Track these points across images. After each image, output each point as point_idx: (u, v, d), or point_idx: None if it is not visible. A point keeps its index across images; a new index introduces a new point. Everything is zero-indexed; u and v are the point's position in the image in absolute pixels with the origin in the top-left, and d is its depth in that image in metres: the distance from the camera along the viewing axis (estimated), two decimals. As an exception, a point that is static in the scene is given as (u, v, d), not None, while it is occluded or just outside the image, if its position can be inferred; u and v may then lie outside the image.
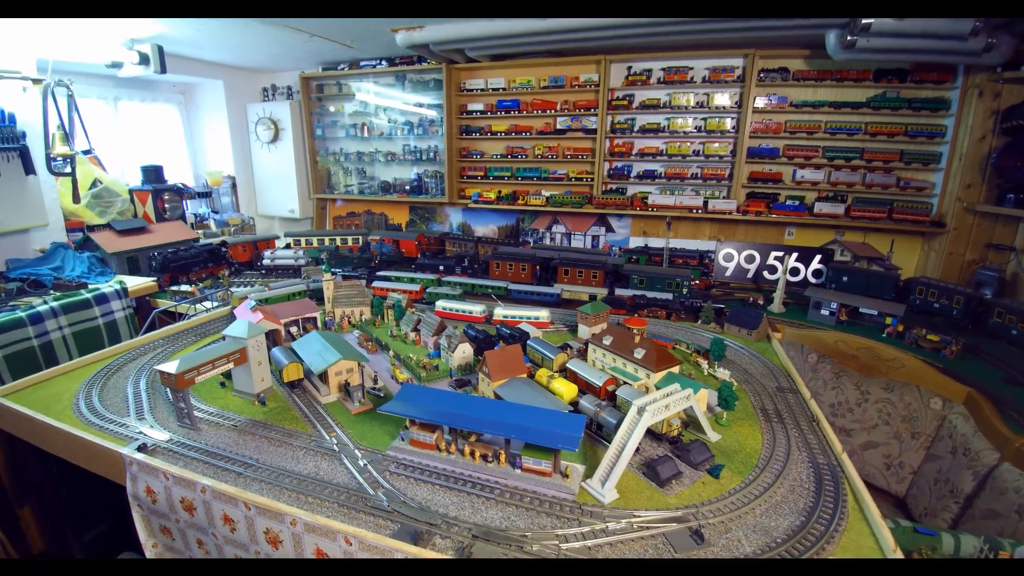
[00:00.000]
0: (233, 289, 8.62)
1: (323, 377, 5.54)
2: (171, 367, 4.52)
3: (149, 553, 4.13)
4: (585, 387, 5.10)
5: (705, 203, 10.15)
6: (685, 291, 8.91)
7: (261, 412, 4.95)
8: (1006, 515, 5.03)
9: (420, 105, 11.43)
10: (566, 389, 4.90)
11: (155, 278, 8.71)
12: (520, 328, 6.32)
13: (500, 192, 11.27)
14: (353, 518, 3.56)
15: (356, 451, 4.38)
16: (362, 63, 11.44)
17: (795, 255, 10.03)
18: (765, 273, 10.34)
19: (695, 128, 10.18)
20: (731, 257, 10.47)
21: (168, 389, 4.86)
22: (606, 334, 5.52)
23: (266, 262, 10.00)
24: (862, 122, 9.39)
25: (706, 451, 4.29)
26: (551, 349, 5.74)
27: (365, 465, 4.18)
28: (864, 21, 7.23)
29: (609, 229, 11.41)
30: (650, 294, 8.37)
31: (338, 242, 11.27)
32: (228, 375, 5.25)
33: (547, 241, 11.75)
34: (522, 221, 11.90)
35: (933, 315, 8.19)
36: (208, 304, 7.87)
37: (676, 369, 5.17)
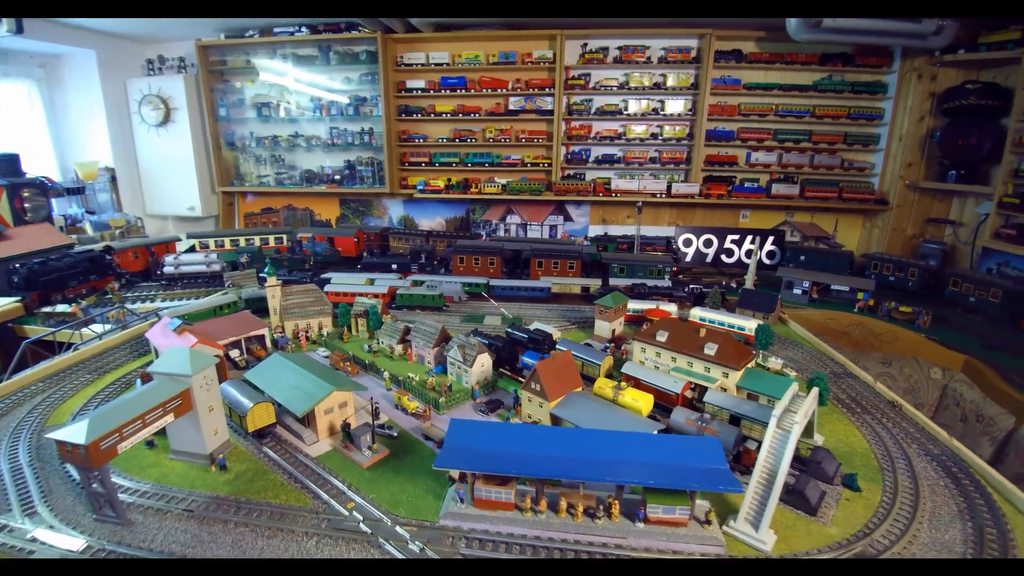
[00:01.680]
0: (130, 305, 6.38)
1: (307, 419, 3.90)
2: (75, 433, 2.67)
3: None
4: (656, 395, 4.06)
5: (668, 187, 9.59)
6: (666, 277, 8.29)
7: (224, 482, 3.26)
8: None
9: (348, 81, 9.62)
10: (642, 401, 3.82)
11: (19, 298, 6.17)
12: (539, 329, 5.11)
13: (450, 180, 9.87)
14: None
15: (397, 527, 2.92)
16: (276, 30, 9.37)
17: (750, 238, 9.81)
18: (723, 256, 10.05)
19: (653, 111, 9.57)
20: (690, 242, 10.05)
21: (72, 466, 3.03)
22: (659, 329, 4.52)
23: (168, 270, 7.72)
24: (810, 105, 9.37)
25: (832, 459, 3.46)
26: (593, 353, 4.62)
27: (422, 548, 2.77)
28: (839, -5, 6.93)
29: (568, 218, 10.51)
30: (650, 282, 7.57)
31: (257, 242, 9.16)
32: (161, 431, 3.48)
33: (501, 233, 10.58)
34: (473, 212, 10.60)
35: (889, 288, 8.29)
36: (98, 328, 5.64)
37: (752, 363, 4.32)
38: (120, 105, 10.01)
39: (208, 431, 3.41)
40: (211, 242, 8.83)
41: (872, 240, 9.80)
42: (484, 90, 9.65)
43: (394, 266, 8.44)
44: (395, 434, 3.76)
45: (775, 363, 4.90)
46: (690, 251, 10.26)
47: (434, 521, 2.93)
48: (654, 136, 9.79)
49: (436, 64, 9.58)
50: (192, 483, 3.23)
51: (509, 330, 5.19)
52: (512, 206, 10.53)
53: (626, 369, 4.33)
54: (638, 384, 4.17)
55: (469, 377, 4.42)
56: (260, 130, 10.32)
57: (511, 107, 9.70)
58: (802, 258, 9.34)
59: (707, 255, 10.19)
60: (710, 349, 4.17)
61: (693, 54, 9.35)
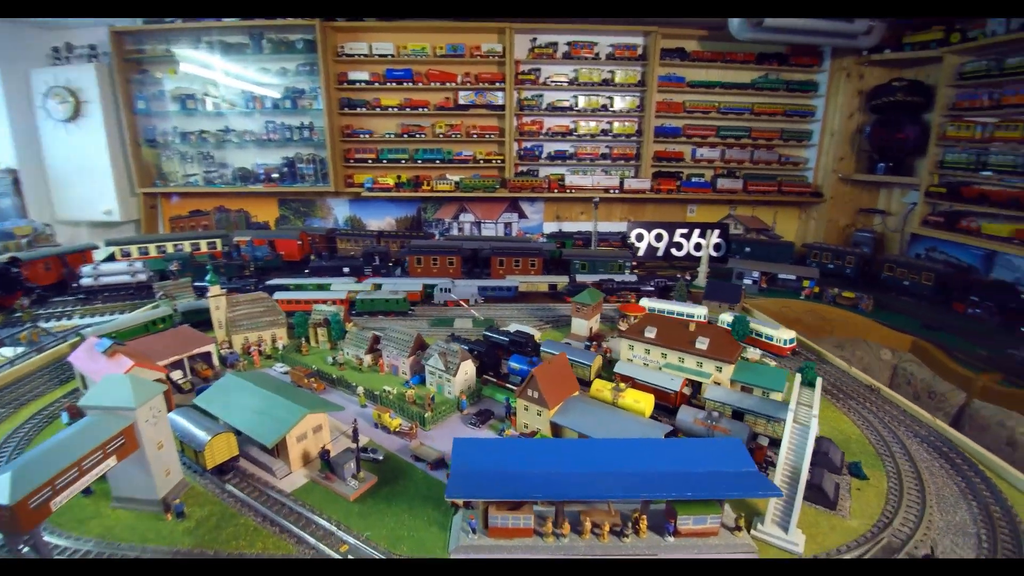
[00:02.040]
0: (44, 324, 5.40)
1: (276, 448, 3.33)
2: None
3: None
4: (655, 395, 3.87)
5: (621, 183, 9.59)
6: (627, 271, 8.27)
7: (184, 532, 2.71)
8: (997, 447, 5.16)
9: (283, 72, 8.87)
10: (644, 403, 3.62)
11: None
12: (520, 331, 4.81)
13: (400, 177, 9.34)
14: None
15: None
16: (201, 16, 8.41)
17: (697, 231, 10.05)
18: (673, 250, 10.23)
19: (603, 107, 9.54)
20: (642, 237, 10.15)
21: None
22: (647, 325, 4.36)
23: (87, 282, 6.72)
24: (749, 103, 9.69)
25: (836, 448, 3.42)
26: (583, 354, 4.38)
27: None
28: (782, -5, 7.14)
29: (522, 215, 10.28)
30: (617, 278, 7.46)
31: (187, 248, 8.21)
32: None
33: (455, 231, 10.18)
34: (424, 211, 10.12)
35: (829, 276, 8.69)
36: (8, 352, 4.69)
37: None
38: (22, 98, 8.60)
39: (159, 472, 2.84)
40: (134, 249, 7.82)
41: (808, 231, 10.32)
42: (432, 83, 9.20)
43: (346, 269, 7.82)
44: (380, 457, 3.34)
45: (753, 353, 4.90)
46: (642, 245, 10.37)
47: (446, 555, 2.57)
48: (604, 132, 9.77)
49: (380, 55, 9.02)
50: (144, 536, 2.66)
51: (487, 333, 4.86)
52: (465, 204, 10.15)
53: (619, 369, 4.14)
54: (634, 384, 3.97)
55: (452, 387, 4.05)
56: (185, 125, 9.25)
57: (461, 101, 9.33)
58: (747, 249, 9.66)
59: (658, 249, 10.34)
60: (702, 343, 4.06)
61: (640, 51, 9.39)
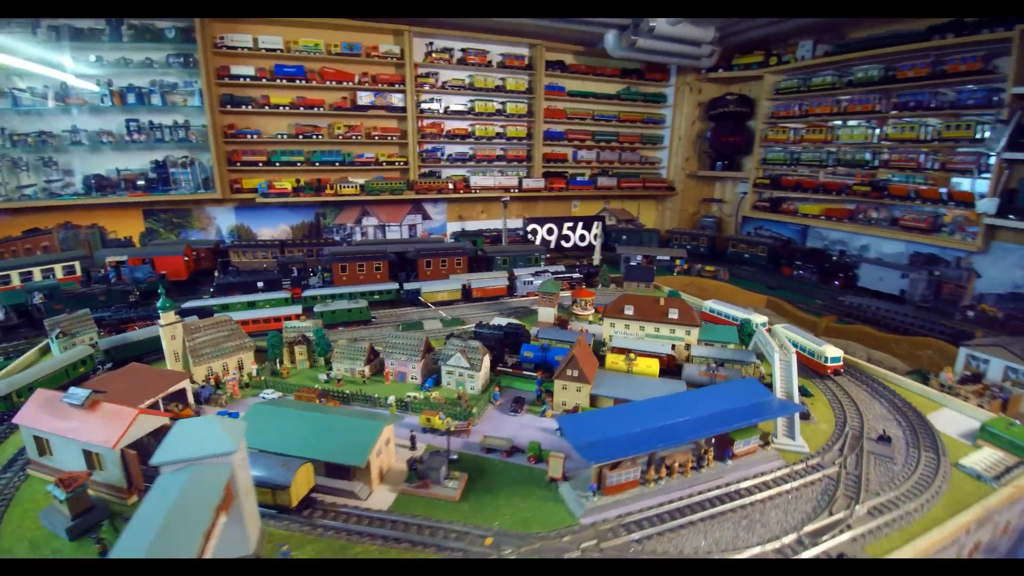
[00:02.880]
0: None
1: (351, 471, 3.02)
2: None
3: None
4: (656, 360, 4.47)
5: (520, 183, 10.21)
6: (543, 263, 8.89)
7: None
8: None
9: (149, 64, 7.56)
10: (652, 366, 4.19)
11: None
12: (512, 323, 5.03)
13: (299, 181, 8.65)
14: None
15: (561, 540, 2.64)
16: None
17: (581, 224, 11.21)
18: (563, 242, 11.24)
19: (497, 111, 10.03)
20: (536, 231, 10.95)
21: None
22: (625, 304, 4.95)
23: None
24: (616, 111, 11.08)
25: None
26: (567, 335, 4.80)
27: (593, 547, 2.56)
28: (651, 23, 8.42)
29: (426, 216, 10.27)
30: (552, 269, 7.97)
31: (38, 275, 6.52)
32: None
33: (358, 236, 9.76)
34: (323, 216, 9.49)
35: (689, 254, 10.44)
36: None
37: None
38: None
39: (251, 522, 2.50)
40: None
41: (665, 219, 12.20)
42: (328, 82, 8.65)
43: (260, 284, 7.03)
44: (456, 457, 3.35)
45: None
46: (537, 239, 11.15)
47: (575, 524, 2.80)
48: (499, 135, 10.25)
49: (268, 50, 8.19)
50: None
51: (477, 330, 4.99)
52: (368, 207, 9.77)
53: (616, 343, 4.67)
54: (631, 353, 4.55)
55: (476, 382, 4.15)
56: (16, 125, 7.15)
57: (360, 102, 8.94)
58: (624, 237, 11.09)
59: (551, 242, 11.25)
60: (674, 314, 4.81)
61: (527, 61, 10.06)
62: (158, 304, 4.02)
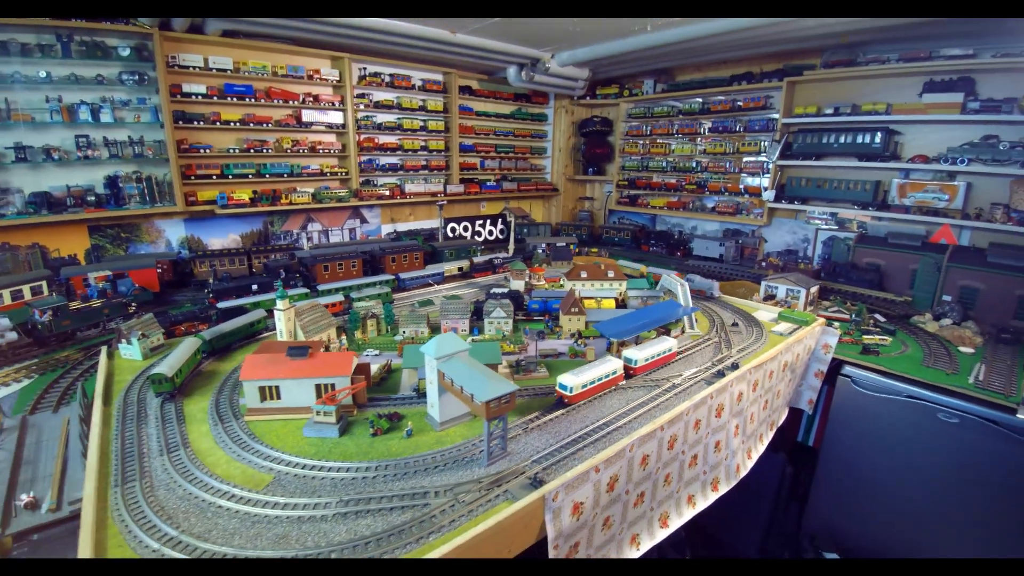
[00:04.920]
0: None
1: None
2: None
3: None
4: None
5: (445, 188, 11.96)
6: (478, 255, 10.81)
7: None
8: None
9: (100, 81, 7.69)
10: (609, 304, 6.56)
11: None
12: (511, 289, 6.96)
13: (256, 192, 9.31)
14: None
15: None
16: None
17: (488, 221, 13.41)
18: (475, 237, 13.30)
19: (421, 127, 11.63)
20: (455, 229, 12.84)
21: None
22: (580, 270, 7.25)
23: None
24: (512, 128, 13.43)
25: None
26: (557, 292, 6.93)
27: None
28: (547, 64, 10.93)
29: (363, 220, 11.43)
30: (492, 255, 9.90)
31: (28, 293, 6.43)
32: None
33: (304, 241, 10.59)
34: (271, 224, 10.16)
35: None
36: None
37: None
38: None
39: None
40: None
41: (552, 214, 14.97)
42: (275, 100, 9.41)
43: (255, 287, 7.79)
44: (536, 358, 5.25)
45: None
46: (455, 235, 12.97)
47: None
48: (423, 148, 11.84)
49: (219, 69, 8.70)
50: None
51: (489, 296, 6.83)
52: (312, 214, 10.62)
53: (584, 293, 6.94)
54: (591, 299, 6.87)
55: (509, 326, 6.07)
56: None
57: (304, 119, 9.83)
58: (525, 231, 13.53)
59: (466, 237, 13.16)
60: (611, 274, 7.27)
61: (442, 86, 11.82)
62: (276, 295, 5.12)
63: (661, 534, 3.98)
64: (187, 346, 4.80)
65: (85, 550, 2.61)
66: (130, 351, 5.22)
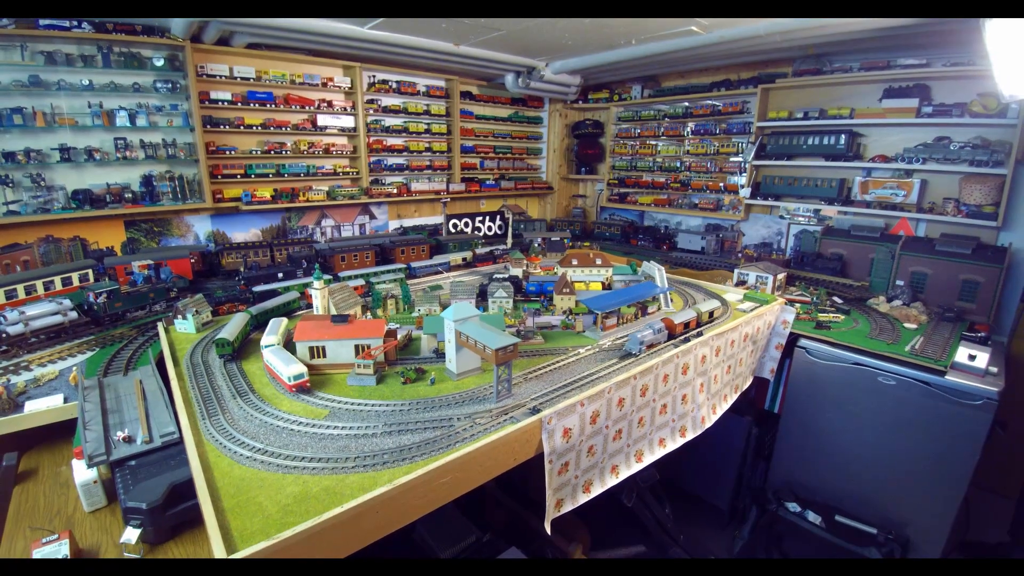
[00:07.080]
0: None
1: None
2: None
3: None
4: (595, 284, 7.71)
5: (448, 187, 12.81)
6: (479, 248, 11.66)
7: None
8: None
9: (136, 88, 8.50)
10: (596, 286, 7.45)
11: None
12: (511, 275, 7.83)
13: (276, 190, 10.14)
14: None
15: (593, 346, 5.59)
16: (43, 22, 7.20)
17: (488, 218, 14.26)
18: (475, 232, 14.14)
19: (425, 130, 12.47)
20: (456, 225, 13.69)
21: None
22: (572, 258, 8.13)
23: (16, 329, 5.83)
24: (509, 130, 14.29)
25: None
26: (551, 276, 7.80)
27: (609, 344, 5.59)
28: (541, 72, 11.80)
29: (372, 217, 12.26)
30: (491, 247, 10.78)
31: (76, 280, 7.25)
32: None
33: (318, 236, 11.42)
34: (288, 220, 10.99)
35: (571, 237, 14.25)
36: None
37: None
38: None
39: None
40: (20, 289, 6.56)
41: (547, 211, 15.85)
42: (293, 106, 10.23)
43: (280, 275, 8.61)
44: (534, 327, 6.12)
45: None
46: (457, 231, 13.83)
47: (594, 344, 5.84)
48: (427, 150, 12.69)
49: (242, 78, 9.52)
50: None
51: (493, 279, 7.69)
52: (326, 211, 11.45)
53: (575, 278, 7.81)
54: (581, 283, 7.74)
55: (510, 305, 6.93)
56: (7, 143, 7.36)
57: (319, 123, 10.66)
58: (522, 227, 14.40)
59: (467, 232, 14.02)
60: (599, 261, 8.15)
61: (445, 91, 12.67)
62: (313, 276, 5.96)
63: (637, 467, 4.86)
64: (239, 319, 5.65)
65: (193, 460, 3.46)
66: (185, 325, 6.07)
